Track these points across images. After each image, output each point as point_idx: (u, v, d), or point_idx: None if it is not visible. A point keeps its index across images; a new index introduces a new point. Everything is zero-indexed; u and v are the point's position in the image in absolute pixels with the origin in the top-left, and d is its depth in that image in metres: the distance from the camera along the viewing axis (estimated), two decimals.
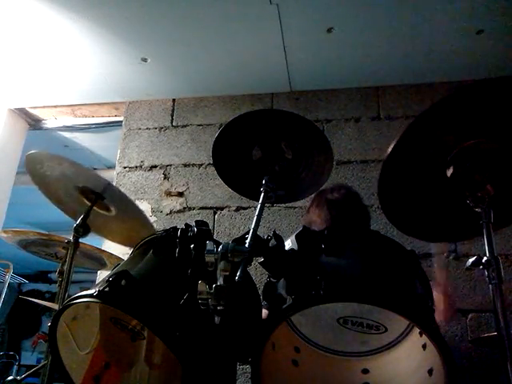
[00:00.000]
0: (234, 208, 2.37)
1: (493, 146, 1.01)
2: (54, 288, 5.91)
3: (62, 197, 1.60)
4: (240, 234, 0.98)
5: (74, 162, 1.42)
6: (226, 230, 2.34)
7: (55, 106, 2.89)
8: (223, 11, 2.02)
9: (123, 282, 0.96)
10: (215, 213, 2.39)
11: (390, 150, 1.00)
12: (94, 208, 1.54)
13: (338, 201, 1.65)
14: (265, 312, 1.16)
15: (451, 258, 2.07)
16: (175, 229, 1.14)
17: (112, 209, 1.56)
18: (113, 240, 1.80)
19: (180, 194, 2.48)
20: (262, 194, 1.15)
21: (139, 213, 1.57)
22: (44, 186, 1.59)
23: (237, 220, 2.35)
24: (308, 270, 0.95)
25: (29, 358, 6.20)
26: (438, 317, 1.46)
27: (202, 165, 2.52)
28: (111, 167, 3.36)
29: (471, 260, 0.99)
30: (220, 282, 0.83)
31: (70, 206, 1.61)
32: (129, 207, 1.57)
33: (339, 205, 1.64)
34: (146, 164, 2.60)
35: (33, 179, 1.57)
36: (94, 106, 2.87)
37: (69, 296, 1.11)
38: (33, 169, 1.52)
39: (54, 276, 1.74)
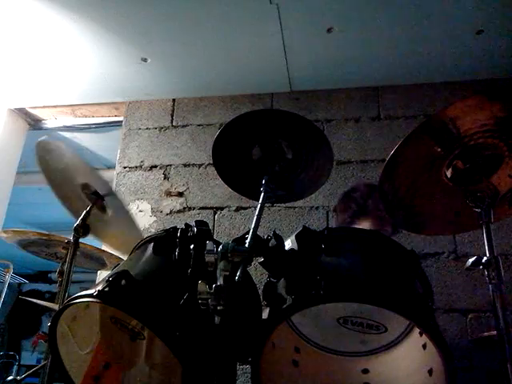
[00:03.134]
0: (234, 208, 2.37)
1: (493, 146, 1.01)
2: (54, 288, 5.90)
3: (66, 191, 1.60)
4: (240, 234, 0.98)
5: (75, 155, 1.44)
6: (226, 229, 2.34)
7: (55, 106, 2.89)
8: (223, 11, 2.02)
9: (123, 282, 0.96)
10: (215, 213, 2.39)
11: (392, 152, 1.00)
12: (96, 211, 1.54)
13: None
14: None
15: (451, 258, 2.07)
16: (175, 229, 1.14)
17: (108, 211, 1.56)
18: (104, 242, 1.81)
19: (180, 194, 2.48)
20: (262, 194, 1.15)
21: (131, 220, 1.56)
22: (50, 176, 1.59)
23: (237, 220, 2.35)
24: (308, 270, 0.96)
25: (29, 358, 6.20)
26: None
27: (202, 165, 2.52)
28: (111, 167, 3.36)
29: (471, 260, 0.99)
30: (220, 281, 0.83)
31: (72, 201, 1.61)
32: (124, 212, 1.57)
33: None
34: (146, 164, 2.60)
35: (40, 167, 1.56)
36: (94, 106, 2.87)
37: (69, 296, 1.11)
38: (42, 157, 1.52)
39: (54, 276, 1.74)
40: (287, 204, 2.27)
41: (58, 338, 1.06)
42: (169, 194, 2.49)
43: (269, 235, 1.03)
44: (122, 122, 2.78)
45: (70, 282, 1.49)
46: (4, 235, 1.96)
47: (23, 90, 2.72)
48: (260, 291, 1.05)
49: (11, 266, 3.93)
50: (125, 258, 1.53)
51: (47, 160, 1.52)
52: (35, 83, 2.64)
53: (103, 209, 1.57)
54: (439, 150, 1.02)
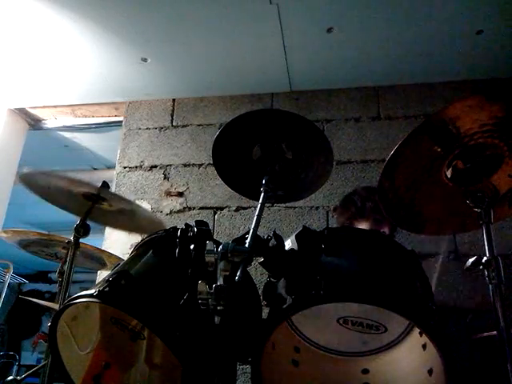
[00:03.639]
0: (234, 208, 2.37)
1: (493, 146, 1.01)
2: (54, 288, 5.90)
3: (66, 201, 1.61)
4: (240, 234, 0.98)
5: (62, 176, 1.45)
6: (226, 229, 2.34)
7: (55, 106, 2.89)
8: (223, 11, 2.02)
9: (123, 282, 0.96)
10: (215, 213, 2.39)
11: (392, 152, 1.00)
12: (100, 206, 1.54)
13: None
14: None
15: (451, 258, 2.07)
16: (175, 229, 1.14)
17: (113, 205, 1.57)
18: (125, 230, 1.88)
19: (180, 194, 2.48)
20: (262, 194, 1.15)
21: (139, 206, 1.59)
22: (45, 195, 1.60)
23: (237, 220, 2.35)
24: (308, 270, 0.95)
25: (29, 357, 6.20)
26: None
27: (201, 165, 2.52)
28: (111, 167, 3.36)
29: (471, 260, 0.99)
30: (220, 281, 0.82)
31: (75, 207, 1.61)
32: (128, 203, 1.59)
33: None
34: (146, 164, 2.60)
35: (34, 193, 1.58)
36: (93, 106, 2.87)
37: (69, 296, 1.11)
38: (29, 185, 1.53)
39: (54, 276, 1.74)
40: (287, 204, 2.28)
41: (58, 338, 1.06)
42: (169, 194, 2.49)
43: (269, 235, 1.03)
44: (122, 122, 2.78)
45: (70, 282, 1.49)
46: (4, 235, 1.96)
47: (23, 89, 2.72)
48: (260, 291, 1.05)
49: (11, 266, 3.93)
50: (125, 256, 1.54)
51: (36, 185, 1.53)
52: (35, 83, 2.64)
53: (110, 205, 1.58)
54: (439, 150, 1.02)
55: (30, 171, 1.44)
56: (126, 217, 1.66)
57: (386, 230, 1.71)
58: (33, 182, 1.53)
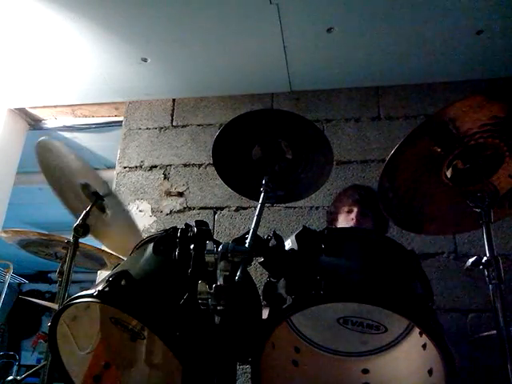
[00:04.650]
0: (234, 208, 2.37)
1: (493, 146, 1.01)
2: (54, 288, 5.91)
3: (65, 190, 1.61)
4: (240, 234, 0.98)
5: (81, 157, 1.44)
6: (226, 230, 2.34)
7: (55, 106, 2.89)
8: (223, 11, 2.02)
9: (123, 282, 0.97)
10: (215, 213, 2.39)
11: (392, 152, 1.00)
12: (96, 211, 1.54)
13: (366, 186, 1.89)
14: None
15: (451, 258, 2.07)
16: (175, 229, 1.14)
17: (108, 212, 1.56)
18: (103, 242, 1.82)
19: (180, 194, 2.48)
20: (262, 194, 1.15)
21: (130, 221, 1.57)
22: (50, 175, 1.60)
23: (237, 220, 2.35)
24: (308, 270, 0.96)
25: (29, 358, 6.19)
26: None
27: (201, 165, 2.52)
28: (111, 167, 3.36)
29: (471, 260, 0.99)
30: (220, 281, 0.83)
31: (71, 200, 1.61)
32: (123, 213, 1.58)
33: (367, 188, 1.83)
34: (146, 164, 2.60)
35: (40, 166, 1.57)
36: (94, 106, 2.87)
37: (69, 296, 1.11)
38: (42, 156, 1.53)
39: (54, 276, 1.74)
40: (287, 204, 2.27)
41: (58, 338, 1.06)
42: (169, 194, 2.49)
43: (269, 235, 1.03)
44: (122, 122, 2.78)
45: (69, 281, 1.49)
46: (4, 235, 1.96)
47: (23, 90, 2.72)
48: (260, 291, 1.05)
49: (11, 266, 3.93)
50: (124, 258, 1.54)
51: (47, 159, 1.52)
52: (35, 83, 2.64)
53: (102, 209, 1.57)
54: (439, 150, 1.02)
55: (51, 139, 1.45)
56: (111, 230, 1.65)
57: (368, 225, 1.70)
58: (47, 155, 1.52)
